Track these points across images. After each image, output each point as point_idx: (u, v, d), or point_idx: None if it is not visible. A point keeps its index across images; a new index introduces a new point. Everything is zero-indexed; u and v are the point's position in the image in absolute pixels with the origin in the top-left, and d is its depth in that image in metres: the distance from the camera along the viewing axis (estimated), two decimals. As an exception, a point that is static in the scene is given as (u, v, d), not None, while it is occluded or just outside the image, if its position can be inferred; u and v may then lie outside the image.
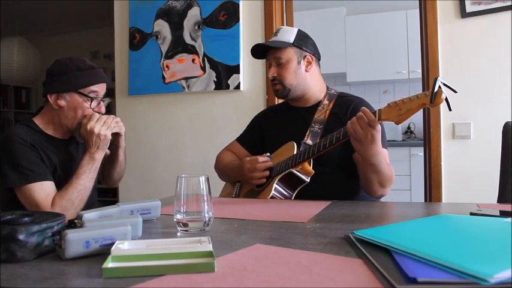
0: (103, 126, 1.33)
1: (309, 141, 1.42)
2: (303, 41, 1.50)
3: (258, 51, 1.55)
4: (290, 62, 1.47)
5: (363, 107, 1.18)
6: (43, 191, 1.27)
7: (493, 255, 0.59)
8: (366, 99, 1.52)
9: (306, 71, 1.49)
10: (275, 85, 1.50)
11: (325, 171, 1.39)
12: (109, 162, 1.54)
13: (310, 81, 1.51)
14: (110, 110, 3.29)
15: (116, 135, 1.43)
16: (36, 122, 1.40)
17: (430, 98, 1.05)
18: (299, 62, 1.48)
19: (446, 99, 1.06)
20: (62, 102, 1.36)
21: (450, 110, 1.08)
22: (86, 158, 1.33)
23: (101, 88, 1.40)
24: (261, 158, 1.42)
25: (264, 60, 2.52)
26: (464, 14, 2.12)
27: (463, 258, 0.56)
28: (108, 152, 1.57)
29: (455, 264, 0.53)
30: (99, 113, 1.39)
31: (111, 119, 1.37)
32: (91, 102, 1.37)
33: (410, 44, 3.84)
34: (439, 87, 1.04)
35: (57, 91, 1.35)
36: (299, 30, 1.51)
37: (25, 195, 1.27)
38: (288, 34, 1.48)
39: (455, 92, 1.07)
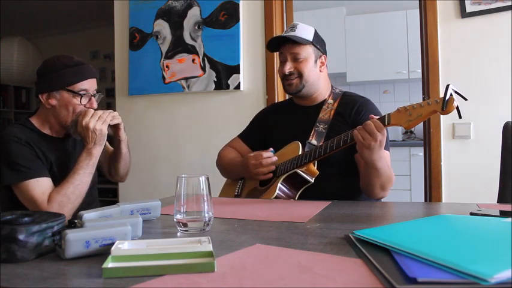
0: (98, 121, 1.33)
1: (314, 141, 1.42)
2: (319, 39, 1.50)
3: (271, 43, 1.52)
4: (308, 59, 1.46)
5: (371, 115, 1.20)
6: (39, 187, 1.27)
7: (493, 255, 0.59)
8: (366, 100, 1.52)
9: (320, 71, 1.50)
10: (290, 79, 1.47)
11: (329, 171, 1.39)
12: (113, 157, 1.55)
13: (321, 82, 1.51)
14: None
15: (115, 129, 1.43)
16: (32, 122, 1.41)
17: (441, 105, 1.06)
18: (315, 61, 1.48)
19: (457, 107, 1.06)
20: (54, 101, 1.36)
21: (460, 117, 1.09)
22: (83, 154, 1.32)
23: (90, 84, 1.39)
24: (265, 154, 1.40)
25: (264, 60, 2.56)
26: (464, 14, 2.12)
27: (463, 258, 0.56)
28: (111, 148, 1.57)
29: (455, 264, 0.53)
30: (91, 109, 1.39)
31: (106, 114, 1.36)
32: (81, 99, 1.37)
33: (410, 44, 3.83)
34: (451, 94, 1.04)
35: (47, 90, 1.36)
36: (315, 29, 1.50)
37: (22, 192, 1.27)
38: (307, 32, 1.47)
39: (465, 99, 1.08)
